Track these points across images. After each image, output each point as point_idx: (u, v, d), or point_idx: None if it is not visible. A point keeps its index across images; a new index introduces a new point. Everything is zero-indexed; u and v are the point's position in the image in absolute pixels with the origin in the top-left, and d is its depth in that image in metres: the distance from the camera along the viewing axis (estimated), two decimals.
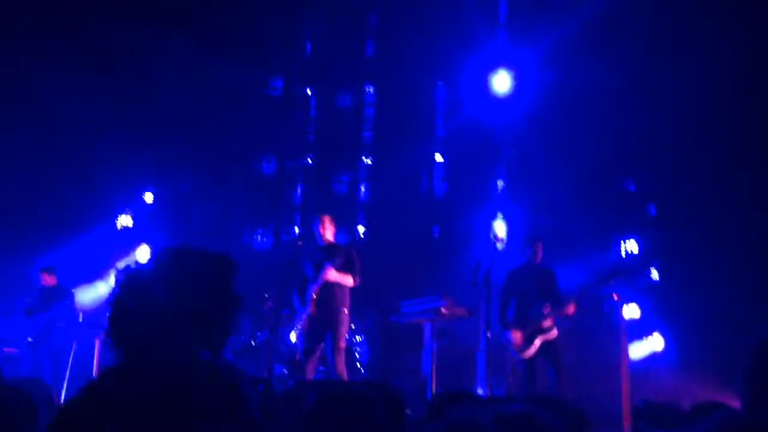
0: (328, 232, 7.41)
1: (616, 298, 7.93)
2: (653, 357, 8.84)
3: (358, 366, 9.15)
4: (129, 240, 11.45)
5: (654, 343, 8.91)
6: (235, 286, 1.90)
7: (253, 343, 9.39)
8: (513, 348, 7.06)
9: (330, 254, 7.21)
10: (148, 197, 11.81)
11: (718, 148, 8.50)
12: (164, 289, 1.76)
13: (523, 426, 1.91)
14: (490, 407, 2.26)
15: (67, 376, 8.67)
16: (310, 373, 7.05)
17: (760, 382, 1.76)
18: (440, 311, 6.71)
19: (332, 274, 7.05)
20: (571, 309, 7.04)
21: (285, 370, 8.41)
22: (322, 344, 7.05)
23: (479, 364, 7.69)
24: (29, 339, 9.08)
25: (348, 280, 7.15)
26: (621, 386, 7.56)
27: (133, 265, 1.89)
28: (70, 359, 8.89)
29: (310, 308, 7.04)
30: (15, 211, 10.45)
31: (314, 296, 7.06)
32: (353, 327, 9.59)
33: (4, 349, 9.37)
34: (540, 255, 7.40)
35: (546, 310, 7.07)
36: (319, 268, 7.15)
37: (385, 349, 8.87)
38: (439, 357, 7.22)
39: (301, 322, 7.16)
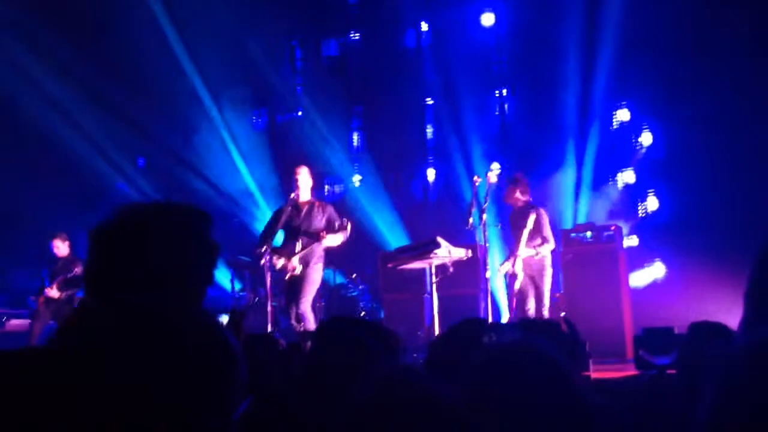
0: (304, 185, 7.16)
1: (614, 229, 7.94)
2: (655, 284, 8.90)
3: (362, 314, 9.23)
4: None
5: (655, 271, 8.96)
6: (208, 234, 1.87)
7: (256, 298, 9.47)
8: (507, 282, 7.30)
9: (310, 216, 7.05)
10: (142, 163, 11.78)
11: (718, 71, 8.37)
12: (134, 242, 1.74)
13: (517, 358, 1.73)
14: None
15: None
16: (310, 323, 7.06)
17: (761, 293, 1.71)
18: (437, 254, 6.70)
19: (326, 242, 6.91)
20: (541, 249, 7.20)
21: (289, 323, 8.47)
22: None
23: (482, 306, 7.73)
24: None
25: (338, 240, 7.02)
26: (623, 317, 7.64)
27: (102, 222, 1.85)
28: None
29: (291, 268, 6.94)
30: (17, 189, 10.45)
31: (298, 259, 6.95)
32: (355, 276, 9.63)
33: (11, 321, 9.42)
34: (512, 195, 7.43)
35: (516, 250, 7.20)
36: (300, 230, 7.00)
37: (387, 296, 8.91)
38: (442, 301, 7.25)
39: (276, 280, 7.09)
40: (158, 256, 1.72)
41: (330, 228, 6.96)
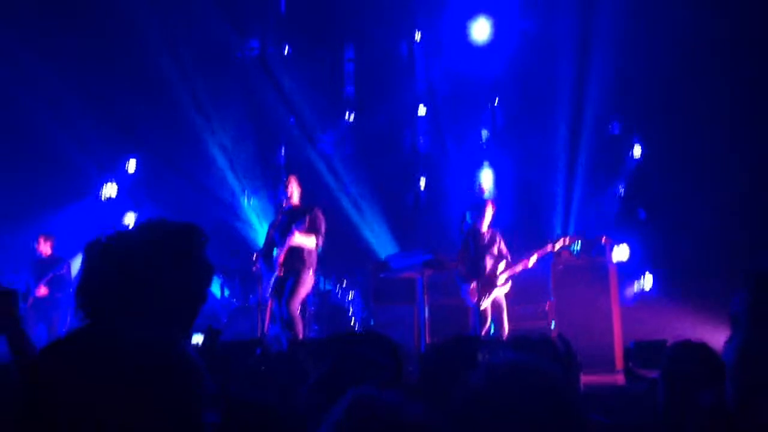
0: (295, 194, 7.32)
1: (604, 241, 7.97)
2: (643, 296, 8.93)
3: (352, 322, 9.22)
4: (115, 210, 11.39)
5: (644, 284, 8.99)
6: (203, 255, 1.87)
7: (246, 305, 9.44)
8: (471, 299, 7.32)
9: (294, 217, 7.13)
10: (131, 165, 11.71)
11: (706, 87, 8.42)
12: (129, 260, 1.75)
13: (516, 377, 1.66)
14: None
15: None
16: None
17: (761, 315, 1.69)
18: (428, 264, 6.72)
19: (296, 239, 7.01)
20: (527, 263, 7.27)
21: (278, 330, 8.46)
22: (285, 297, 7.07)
23: (472, 315, 7.74)
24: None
25: (311, 242, 7.09)
26: (612, 328, 7.66)
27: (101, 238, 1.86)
28: (66, 330, 8.82)
29: (278, 272, 7.03)
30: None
31: (281, 260, 7.03)
32: (345, 283, 9.63)
33: None
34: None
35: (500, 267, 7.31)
36: (285, 232, 7.09)
37: (378, 304, 8.90)
38: (433, 310, 7.25)
39: (269, 285, 7.16)
40: (152, 275, 1.73)
41: (310, 229, 7.02)
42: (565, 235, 7.78)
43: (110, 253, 1.76)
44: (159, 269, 1.73)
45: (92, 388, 1.20)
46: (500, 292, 7.35)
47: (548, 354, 2.69)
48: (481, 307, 7.21)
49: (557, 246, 7.42)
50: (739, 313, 1.70)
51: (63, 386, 1.20)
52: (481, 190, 7.21)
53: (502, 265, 7.35)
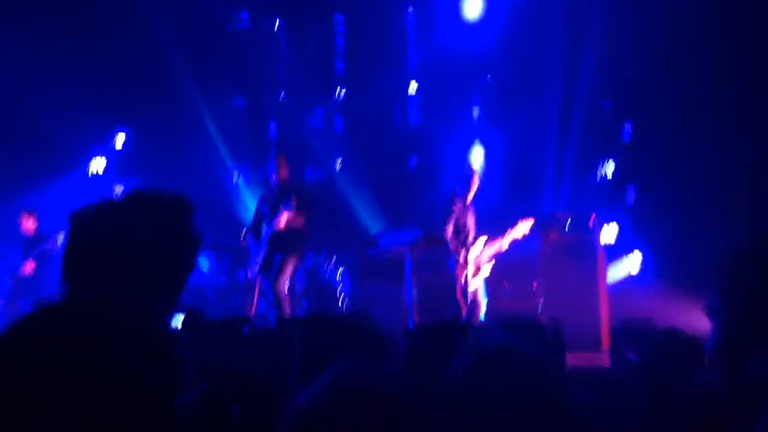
0: (284, 170, 7.36)
1: (593, 220, 7.96)
2: (631, 277, 8.95)
3: (341, 300, 9.22)
4: (103, 185, 11.28)
5: (631, 264, 9.01)
6: (191, 225, 1.84)
7: (235, 282, 9.42)
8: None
9: (283, 194, 7.15)
10: (120, 139, 11.57)
11: (697, 68, 8.39)
12: (115, 229, 1.72)
13: (504, 360, 1.65)
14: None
15: None
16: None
17: (738, 296, 1.67)
18: (417, 242, 6.71)
19: (284, 218, 7.04)
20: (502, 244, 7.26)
21: (267, 307, 8.45)
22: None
23: (458, 293, 7.74)
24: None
25: (299, 219, 7.13)
26: (599, 308, 7.67)
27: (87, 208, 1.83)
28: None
29: (265, 249, 7.07)
30: None
31: (268, 238, 7.06)
32: (335, 260, 9.63)
33: None
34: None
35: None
36: (274, 209, 7.11)
37: (367, 281, 8.90)
38: (422, 287, 7.24)
39: (257, 262, 7.20)
40: (138, 244, 1.70)
41: (299, 208, 7.03)
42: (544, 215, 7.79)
43: (96, 221, 1.73)
44: (146, 238, 1.70)
45: (63, 359, 1.18)
46: (485, 271, 7.32)
47: (536, 336, 2.68)
48: (472, 288, 7.20)
49: (525, 228, 7.39)
50: (716, 301, 1.67)
51: (37, 354, 1.18)
52: (470, 167, 7.18)
53: (483, 240, 7.29)
